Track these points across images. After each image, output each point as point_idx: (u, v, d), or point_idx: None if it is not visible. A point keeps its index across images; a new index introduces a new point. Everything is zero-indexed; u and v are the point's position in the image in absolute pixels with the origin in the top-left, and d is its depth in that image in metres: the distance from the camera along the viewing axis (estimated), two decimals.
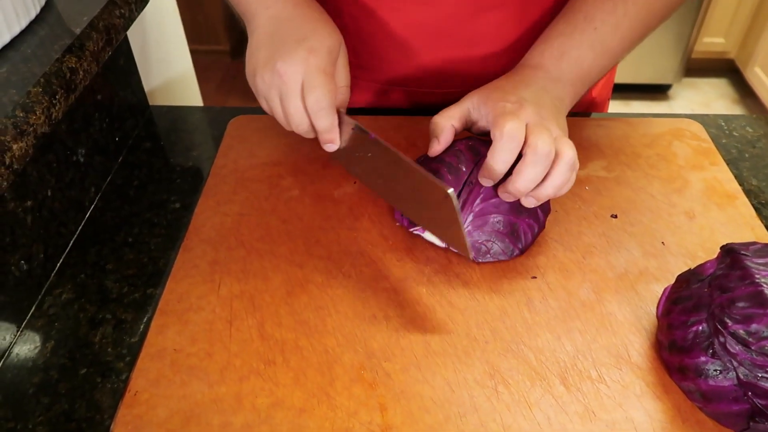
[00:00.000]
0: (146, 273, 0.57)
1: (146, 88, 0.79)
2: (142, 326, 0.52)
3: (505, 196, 0.51)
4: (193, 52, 1.41)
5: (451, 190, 0.45)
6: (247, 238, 0.58)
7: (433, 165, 0.54)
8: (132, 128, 0.74)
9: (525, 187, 0.49)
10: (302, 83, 0.51)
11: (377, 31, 0.68)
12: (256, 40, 0.55)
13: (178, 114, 0.78)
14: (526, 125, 0.49)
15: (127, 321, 0.52)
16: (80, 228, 0.61)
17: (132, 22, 0.67)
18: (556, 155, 0.48)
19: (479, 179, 0.51)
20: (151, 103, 0.80)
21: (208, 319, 0.51)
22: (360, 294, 0.53)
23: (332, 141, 0.54)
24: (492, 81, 0.56)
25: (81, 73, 0.56)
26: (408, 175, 0.49)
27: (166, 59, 1.01)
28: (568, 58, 0.56)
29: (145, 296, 0.54)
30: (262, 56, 0.54)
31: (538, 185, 0.49)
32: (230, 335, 0.50)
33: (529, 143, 0.48)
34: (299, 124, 0.53)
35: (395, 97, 0.76)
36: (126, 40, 0.73)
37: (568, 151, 0.48)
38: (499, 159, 0.49)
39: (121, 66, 0.72)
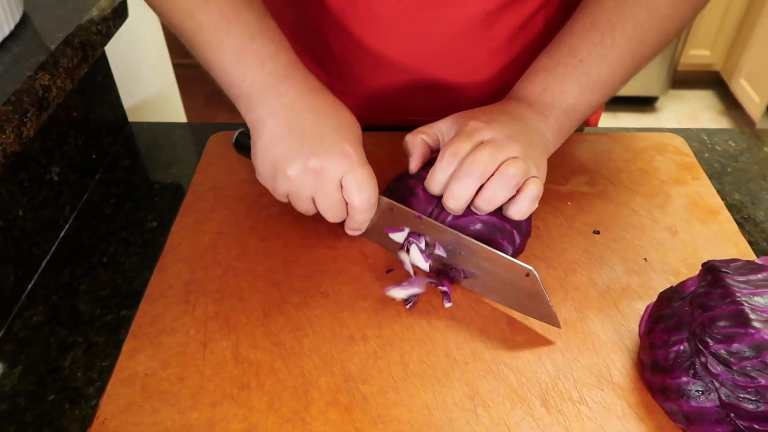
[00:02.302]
0: (121, 294, 0.55)
1: (127, 104, 0.79)
2: (114, 350, 0.50)
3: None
4: (179, 66, 1.40)
5: (531, 269, 0.47)
6: (224, 257, 0.57)
7: (409, 182, 0.53)
8: (110, 145, 0.73)
9: (480, 206, 0.50)
10: (342, 178, 0.49)
11: (363, 61, 0.67)
12: (270, 134, 0.50)
13: (158, 130, 0.78)
14: (491, 141, 0.49)
15: (99, 344, 0.51)
16: (54, 248, 0.60)
17: (110, 39, 0.66)
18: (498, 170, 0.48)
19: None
20: (132, 120, 0.79)
21: (182, 341, 0.50)
22: (338, 314, 0.51)
23: (361, 230, 0.54)
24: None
25: (54, 90, 0.55)
26: (474, 253, 0.50)
27: (147, 75, 1.00)
28: (551, 92, 0.54)
29: (118, 318, 0.53)
30: (281, 152, 0.49)
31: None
32: (204, 358, 0.48)
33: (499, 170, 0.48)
34: (336, 217, 0.52)
35: (383, 125, 0.75)
36: (104, 56, 0.72)
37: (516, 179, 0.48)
38: (435, 180, 0.50)
39: (98, 82, 0.71)
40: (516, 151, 0.49)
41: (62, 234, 0.62)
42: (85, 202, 0.66)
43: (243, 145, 0.57)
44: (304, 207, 0.52)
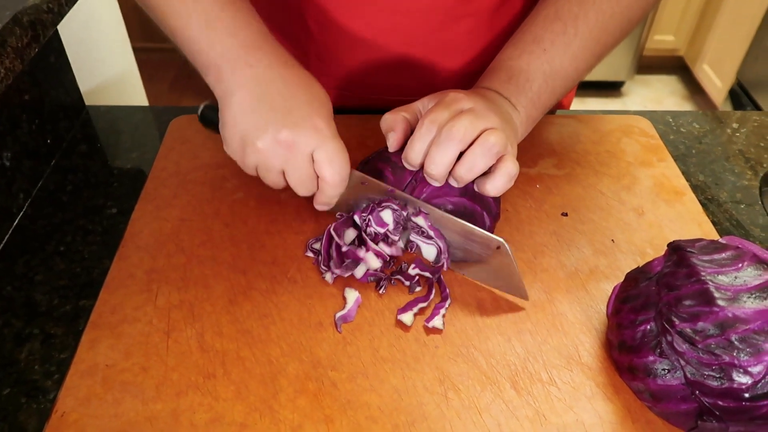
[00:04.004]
0: (79, 284, 0.53)
1: (84, 87, 0.76)
2: (72, 341, 0.49)
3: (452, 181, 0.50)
4: (143, 51, 1.36)
5: (502, 241, 0.47)
6: (188, 244, 0.55)
7: (379, 164, 0.52)
8: (66, 130, 0.70)
9: (459, 176, 0.49)
10: (313, 152, 0.48)
11: (343, 39, 0.66)
12: (240, 105, 0.48)
13: (118, 114, 0.75)
14: (471, 110, 0.48)
15: (57, 336, 0.49)
16: (7, 237, 0.57)
17: (62, 18, 0.63)
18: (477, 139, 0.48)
19: (403, 162, 0.51)
20: (90, 104, 0.76)
21: (144, 331, 0.48)
22: (306, 300, 0.51)
23: (331, 205, 0.52)
24: None
25: (2, 71, 0.52)
26: (446, 227, 0.50)
27: (105, 57, 0.96)
28: (516, 80, 0.54)
29: (77, 308, 0.51)
30: (251, 124, 0.47)
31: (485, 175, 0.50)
32: (167, 348, 0.47)
33: (478, 139, 0.47)
34: (307, 191, 0.50)
35: (361, 105, 0.73)
36: (57, 36, 0.69)
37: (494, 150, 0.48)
38: (414, 149, 0.49)
39: (51, 64, 0.68)
40: (495, 123, 0.49)
41: (16, 222, 0.59)
42: (40, 189, 0.63)
43: (209, 118, 0.55)
44: (273, 180, 0.50)
